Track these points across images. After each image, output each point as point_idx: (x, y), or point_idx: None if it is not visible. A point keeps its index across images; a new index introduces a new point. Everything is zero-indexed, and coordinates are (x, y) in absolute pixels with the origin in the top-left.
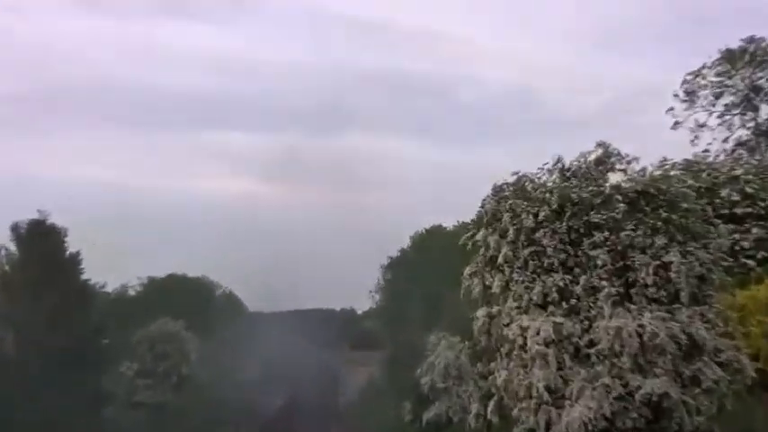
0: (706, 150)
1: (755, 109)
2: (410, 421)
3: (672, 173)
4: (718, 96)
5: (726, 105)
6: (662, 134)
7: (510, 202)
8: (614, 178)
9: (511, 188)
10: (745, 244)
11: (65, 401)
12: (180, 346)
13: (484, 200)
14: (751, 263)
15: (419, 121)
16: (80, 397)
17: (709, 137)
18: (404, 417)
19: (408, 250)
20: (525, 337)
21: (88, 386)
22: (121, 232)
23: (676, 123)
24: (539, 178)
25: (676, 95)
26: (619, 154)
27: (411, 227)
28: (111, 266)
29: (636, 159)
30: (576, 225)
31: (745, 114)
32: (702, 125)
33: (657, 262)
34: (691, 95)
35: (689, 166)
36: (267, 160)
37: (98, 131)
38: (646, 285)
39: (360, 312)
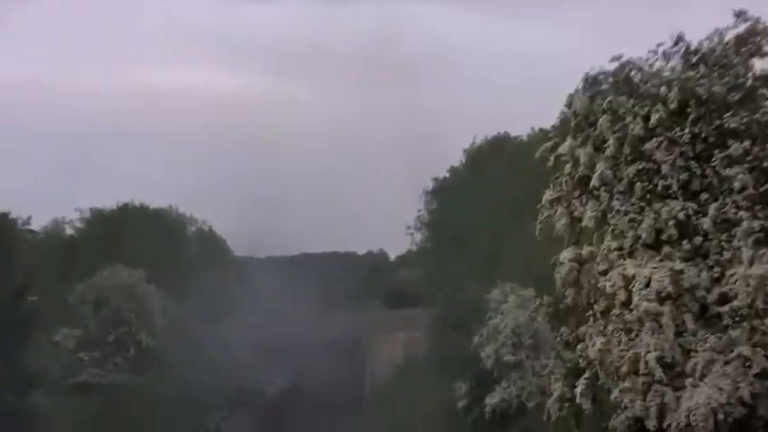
0: None
1: None
2: (465, 408)
3: None
4: None
5: None
6: None
7: (609, 99)
8: (761, 65)
9: (610, 80)
10: None
11: None
12: (139, 304)
13: (571, 96)
14: None
15: None
16: None
17: None
18: (456, 403)
19: (462, 169)
20: (630, 291)
21: (8, 363)
22: (52, 147)
23: None
24: (651, 66)
25: None
26: None
27: (467, 137)
28: (39, 195)
29: None
30: (704, 132)
31: None
32: None
33: None
34: None
35: None
36: (263, 41)
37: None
38: None
39: (393, 258)
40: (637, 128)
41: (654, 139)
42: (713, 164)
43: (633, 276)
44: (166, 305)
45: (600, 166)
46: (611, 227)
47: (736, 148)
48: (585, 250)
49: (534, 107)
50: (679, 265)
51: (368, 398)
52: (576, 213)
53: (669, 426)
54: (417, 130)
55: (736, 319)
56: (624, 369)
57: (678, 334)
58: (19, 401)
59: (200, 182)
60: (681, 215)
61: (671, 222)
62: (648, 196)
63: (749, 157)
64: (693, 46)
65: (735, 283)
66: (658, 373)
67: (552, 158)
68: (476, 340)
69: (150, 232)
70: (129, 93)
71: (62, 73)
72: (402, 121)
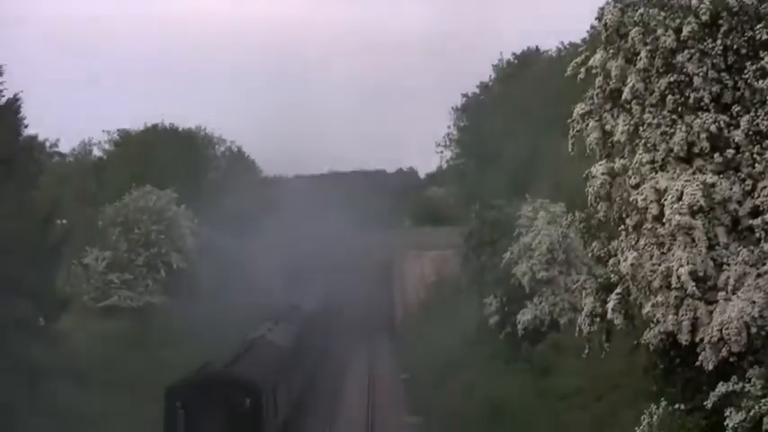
0: None
1: None
2: (497, 325)
3: None
4: None
5: None
6: None
7: (640, 11)
8: None
9: None
10: None
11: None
12: (169, 226)
13: (602, 9)
14: None
15: None
16: (23, 301)
17: None
18: (488, 320)
19: (491, 85)
20: (662, 204)
21: (36, 286)
22: (80, 65)
23: None
24: None
25: None
26: None
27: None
28: (66, 117)
29: None
30: (736, 44)
31: None
32: None
33: None
34: None
35: None
36: None
37: None
38: None
39: (423, 175)
40: (668, 40)
41: (685, 51)
42: (745, 76)
43: (665, 190)
44: (196, 226)
45: (631, 79)
46: (643, 140)
47: None
48: (617, 164)
49: (563, 20)
50: (711, 178)
51: (399, 316)
52: (607, 127)
53: (701, 340)
54: (448, 47)
55: None
56: (656, 283)
57: (710, 247)
58: (50, 324)
59: (228, 102)
60: (713, 127)
61: (703, 135)
62: (680, 109)
63: None
64: None
65: (767, 195)
66: (690, 287)
67: (583, 72)
68: (506, 256)
69: (179, 153)
70: (158, 11)
71: None
72: (432, 39)
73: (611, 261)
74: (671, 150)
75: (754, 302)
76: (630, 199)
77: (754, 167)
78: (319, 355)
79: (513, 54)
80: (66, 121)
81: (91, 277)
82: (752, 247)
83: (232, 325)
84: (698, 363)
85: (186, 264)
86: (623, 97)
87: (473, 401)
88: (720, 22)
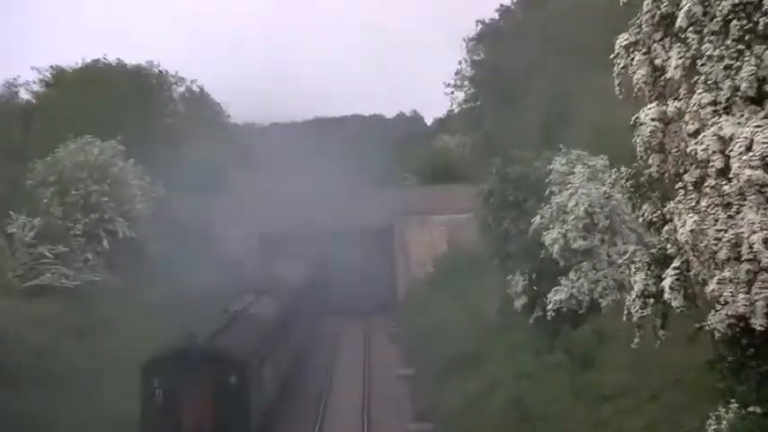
0: None
1: None
2: (525, 308)
3: None
4: None
5: None
6: None
7: None
8: None
9: None
10: None
11: None
12: (114, 186)
13: None
14: None
15: None
16: None
17: None
18: (513, 301)
19: (514, 10)
20: (728, 156)
21: None
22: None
23: None
24: None
25: None
26: None
27: None
28: None
29: None
30: None
31: None
32: None
33: None
34: None
35: None
36: None
37: None
38: None
39: (430, 121)
40: None
41: None
42: None
43: (731, 138)
44: (148, 185)
45: (686, 1)
46: (703, 76)
47: None
48: (671, 107)
49: None
50: None
51: (402, 294)
52: (658, 61)
53: None
54: None
55: None
56: (722, 254)
57: None
58: None
59: (192, 36)
60: None
61: None
62: (748, 37)
63: None
64: None
65: None
66: (765, 258)
67: None
68: (536, 222)
69: (127, 95)
70: None
71: None
72: None
73: (665, 227)
74: (737, 89)
75: None
76: (689, 150)
77: None
78: (305, 347)
79: None
80: None
81: (16, 250)
82: None
83: (196, 304)
84: None
85: (135, 232)
86: (677, 24)
87: (495, 403)
88: None
